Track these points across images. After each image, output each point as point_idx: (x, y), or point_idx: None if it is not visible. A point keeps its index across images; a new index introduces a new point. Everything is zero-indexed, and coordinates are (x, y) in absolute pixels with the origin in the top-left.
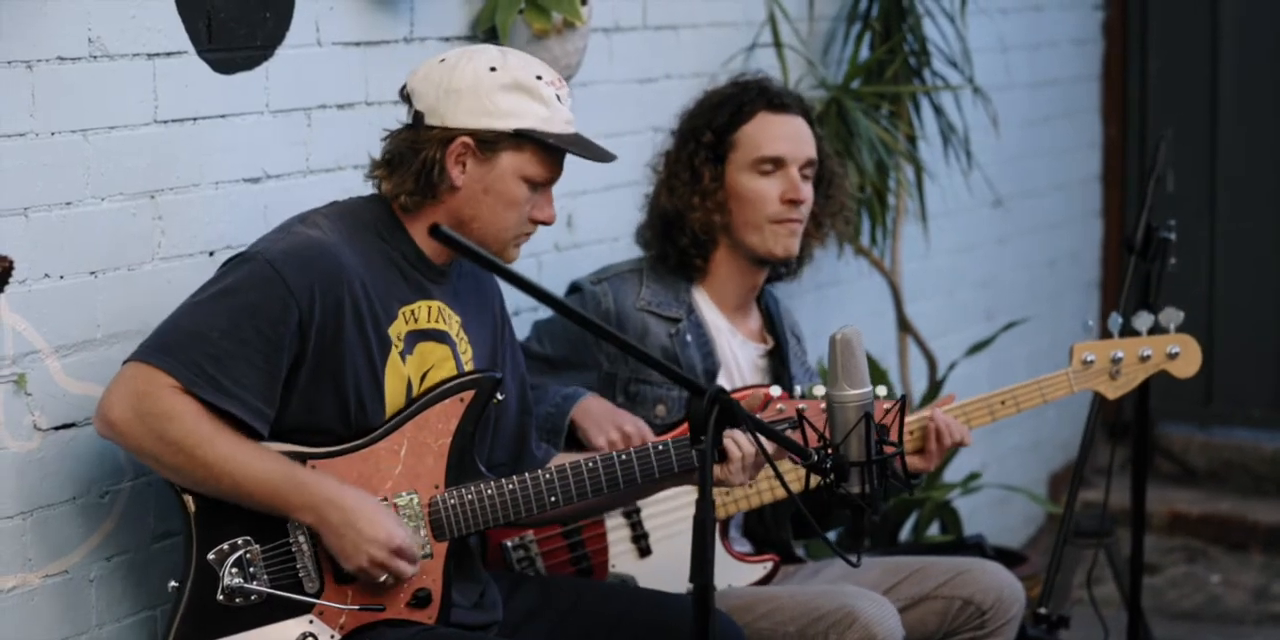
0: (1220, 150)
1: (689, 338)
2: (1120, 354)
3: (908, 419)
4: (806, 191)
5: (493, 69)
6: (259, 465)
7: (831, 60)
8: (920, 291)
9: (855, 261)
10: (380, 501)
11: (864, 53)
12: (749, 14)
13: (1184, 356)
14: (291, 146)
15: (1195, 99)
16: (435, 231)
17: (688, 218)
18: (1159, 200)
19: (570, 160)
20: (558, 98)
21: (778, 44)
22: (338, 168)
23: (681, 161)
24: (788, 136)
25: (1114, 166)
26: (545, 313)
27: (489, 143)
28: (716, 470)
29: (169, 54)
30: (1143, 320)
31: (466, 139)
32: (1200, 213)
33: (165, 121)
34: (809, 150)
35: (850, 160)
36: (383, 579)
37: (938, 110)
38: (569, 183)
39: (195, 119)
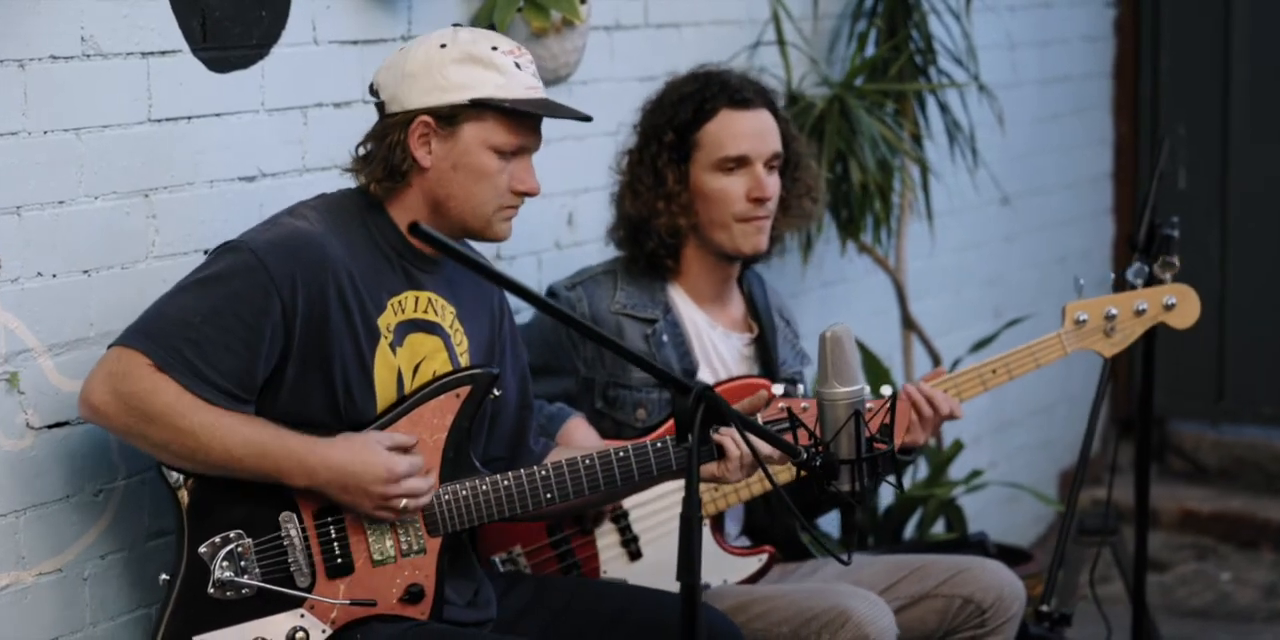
0: (1232, 148)
1: (665, 338)
2: (1114, 310)
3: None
4: (772, 187)
5: (443, 46)
6: (245, 430)
7: (836, 58)
8: (926, 289)
9: (860, 259)
10: (365, 437)
11: (868, 50)
12: (752, 12)
13: (1181, 306)
14: (287, 145)
15: (1207, 96)
16: (414, 229)
17: (653, 223)
18: (1171, 198)
19: (571, 159)
20: (516, 65)
21: (781, 42)
22: (334, 166)
23: (644, 164)
24: (751, 133)
25: (1125, 164)
26: (525, 319)
27: (448, 118)
28: (715, 467)
29: (163, 53)
30: (1137, 273)
31: (425, 118)
32: (1211, 210)
33: (159, 120)
34: (774, 144)
35: (852, 158)
36: (403, 506)
37: (943, 108)
38: (569, 181)
39: (189, 118)
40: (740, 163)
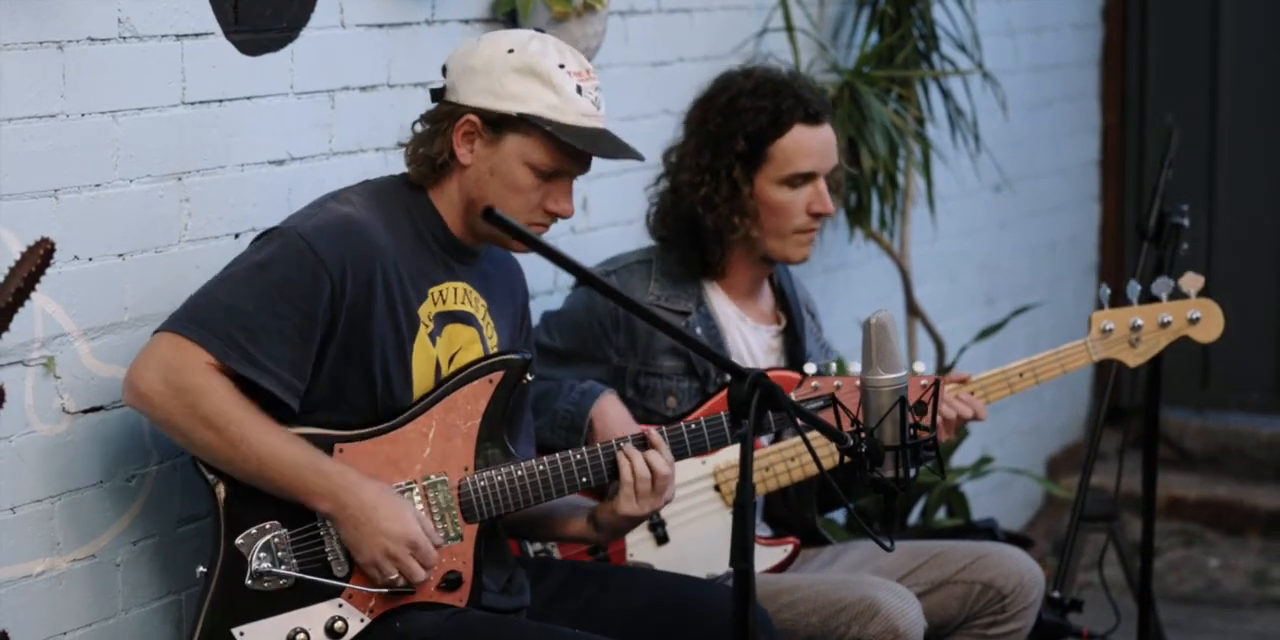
0: (1219, 136)
1: (699, 330)
2: (1139, 321)
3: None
4: (832, 203)
5: (510, 51)
6: (286, 449)
7: (839, 44)
8: (925, 275)
9: (862, 245)
10: (402, 496)
11: (873, 36)
12: None
13: (1205, 321)
14: (315, 129)
15: (1194, 84)
16: (488, 214)
17: (725, 234)
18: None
19: None
20: (578, 88)
21: (789, 28)
22: (360, 150)
23: (717, 173)
24: (820, 150)
25: (1112, 151)
26: (556, 303)
27: (495, 124)
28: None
29: (197, 35)
30: (1162, 286)
31: (472, 117)
32: (1198, 198)
33: (193, 103)
34: (834, 158)
35: (863, 144)
36: (393, 577)
37: (945, 94)
38: None
39: (222, 101)
40: (807, 178)
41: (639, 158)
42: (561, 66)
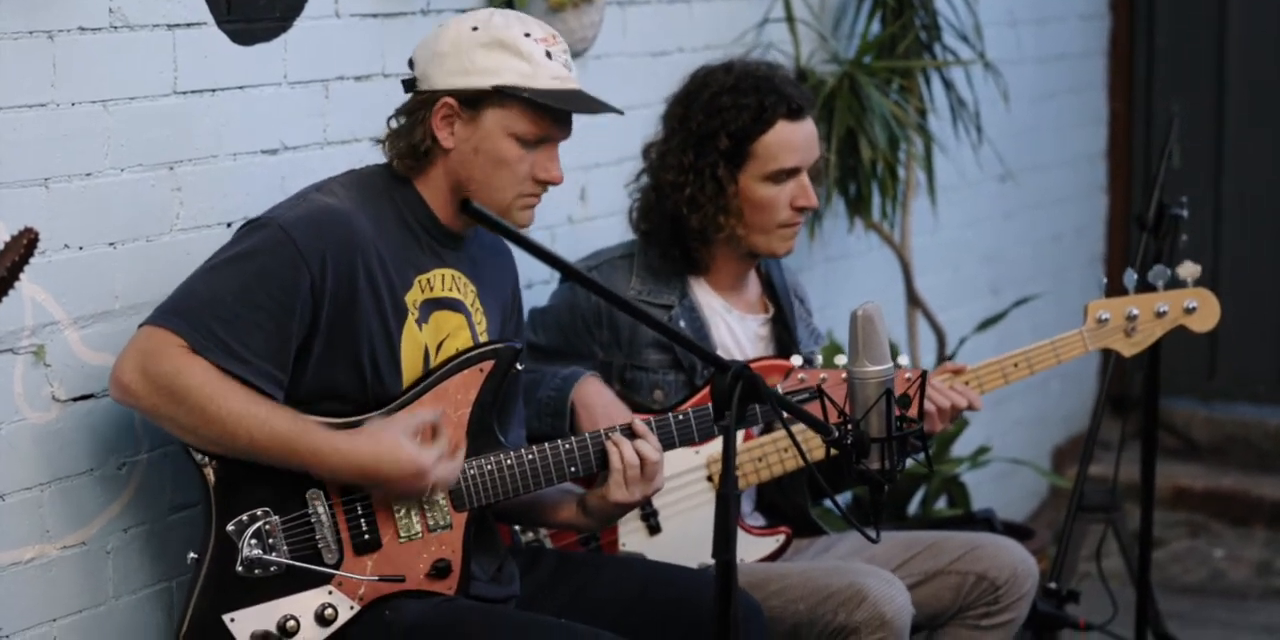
0: (1227, 126)
1: (682, 323)
2: (1135, 310)
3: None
4: (815, 196)
5: (474, 28)
6: (273, 421)
7: (840, 35)
8: (927, 266)
9: (865, 236)
10: (387, 425)
11: (874, 26)
12: None
13: (1201, 311)
14: (309, 118)
15: (1202, 75)
16: (466, 207)
17: (711, 233)
18: (1166, 176)
19: (584, 134)
20: (547, 54)
21: (790, 18)
22: (354, 140)
23: (704, 173)
24: (803, 145)
25: (1119, 142)
26: (553, 290)
27: (471, 102)
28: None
29: (189, 25)
30: (1158, 275)
31: (449, 100)
32: (1206, 188)
33: (185, 92)
34: (817, 151)
35: (863, 135)
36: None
37: (947, 85)
38: (581, 156)
39: (214, 90)
40: (790, 173)
41: (618, 111)
42: (528, 35)
